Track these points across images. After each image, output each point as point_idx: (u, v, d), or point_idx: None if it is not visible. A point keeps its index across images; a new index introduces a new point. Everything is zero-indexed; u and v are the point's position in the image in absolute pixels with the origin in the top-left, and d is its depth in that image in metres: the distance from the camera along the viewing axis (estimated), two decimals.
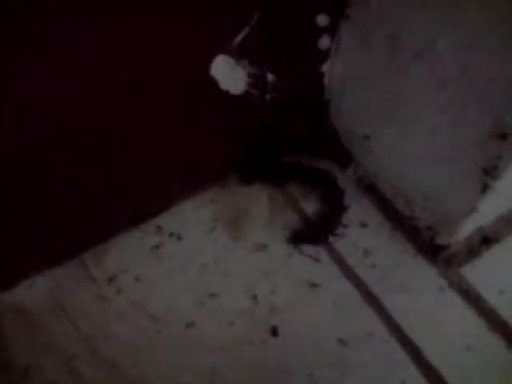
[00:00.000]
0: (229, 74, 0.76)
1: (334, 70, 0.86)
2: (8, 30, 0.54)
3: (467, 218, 0.75)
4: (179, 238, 0.86)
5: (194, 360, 0.74)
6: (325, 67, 0.86)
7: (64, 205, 0.74)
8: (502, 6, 0.55)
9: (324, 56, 0.84)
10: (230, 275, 0.83)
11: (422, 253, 0.84)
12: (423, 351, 0.75)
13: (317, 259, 0.84)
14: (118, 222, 0.85)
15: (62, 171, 0.70)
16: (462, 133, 0.69)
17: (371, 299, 0.80)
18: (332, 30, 0.80)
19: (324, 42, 0.81)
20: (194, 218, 0.89)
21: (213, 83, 0.76)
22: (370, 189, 0.91)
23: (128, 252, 0.85)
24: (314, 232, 0.88)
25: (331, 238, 0.86)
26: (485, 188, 0.69)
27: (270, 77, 0.81)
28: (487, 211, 0.75)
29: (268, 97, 0.85)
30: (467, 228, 0.78)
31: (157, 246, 0.85)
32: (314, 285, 0.81)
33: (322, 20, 0.78)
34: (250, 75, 0.78)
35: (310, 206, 0.91)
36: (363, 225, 0.88)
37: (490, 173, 0.67)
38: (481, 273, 0.81)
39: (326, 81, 0.88)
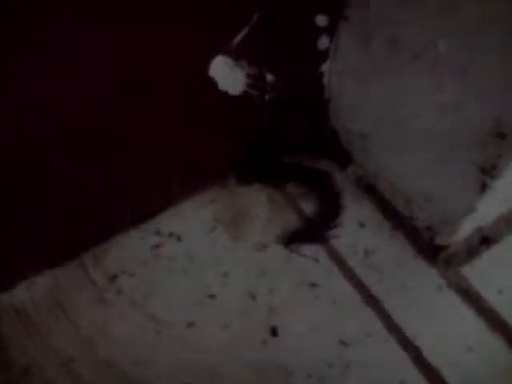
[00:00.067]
0: (228, 75, 0.76)
1: (333, 70, 0.86)
2: (8, 30, 0.54)
3: (466, 218, 0.75)
4: (179, 238, 0.86)
5: (194, 360, 0.74)
6: (324, 67, 0.86)
7: (64, 205, 0.74)
8: (502, 5, 0.55)
9: (323, 56, 0.84)
10: (229, 275, 0.83)
11: (421, 253, 0.84)
12: (423, 351, 0.75)
13: (316, 259, 0.84)
14: (117, 222, 0.85)
15: (61, 171, 0.70)
16: (460, 133, 0.69)
17: (371, 299, 0.80)
18: (331, 31, 0.80)
19: (323, 42, 0.81)
20: (193, 218, 0.89)
21: (212, 84, 0.76)
22: (370, 189, 0.91)
23: (128, 252, 0.85)
24: (309, 232, 0.88)
25: (332, 239, 0.86)
26: (484, 188, 0.69)
27: (269, 77, 0.81)
28: (486, 211, 0.75)
29: (267, 97, 0.85)
30: (466, 228, 0.78)
31: (157, 246, 0.85)
32: (313, 285, 0.81)
33: (321, 20, 0.78)
34: (248, 76, 0.79)
35: (309, 207, 0.91)
36: (363, 225, 0.88)
37: (488, 172, 0.67)
38: (480, 273, 0.81)
39: (325, 81, 0.88)
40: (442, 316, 0.78)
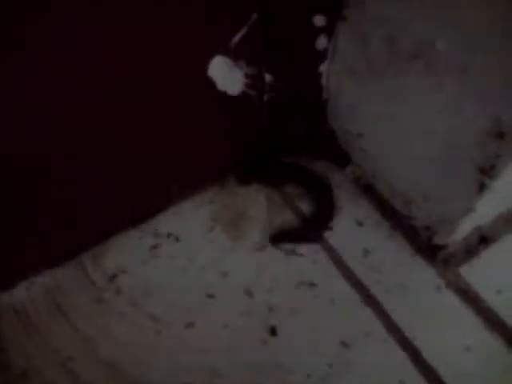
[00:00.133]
0: (226, 75, 0.76)
1: (332, 70, 0.86)
2: (8, 30, 0.54)
3: (465, 218, 0.75)
4: (178, 238, 0.86)
5: (194, 360, 0.74)
6: (322, 67, 0.86)
7: (64, 205, 0.74)
8: (502, 5, 0.56)
9: (321, 56, 0.84)
10: (228, 275, 0.83)
11: (420, 253, 0.84)
12: (421, 351, 0.75)
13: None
14: (117, 222, 0.85)
15: (61, 171, 0.70)
16: (459, 132, 0.69)
17: (370, 299, 0.80)
18: (329, 31, 0.80)
19: (321, 42, 0.82)
20: (192, 219, 0.89)
21: (210, 84, 0.76)
22: (368, 189, 0.91)
23: (127, 252, 0.85)
24: (300, 232, 0.88)
25: (332, 239, 0.86)
26: (482, 187, 0.69)
27: (268, 77, 0.82)
28: (485, 211, 0.75)
29: (266, 97, 0.85)
30: (465, 228, 0.79)
31: (156, 247, 0.85)
32: (312, 284, 0.82)
33: (319, 20, 0.78)
34: (247, 76, 0.79)
35: (308, 207, 0.92)
36: (361, 224, 0.88)
37: (487, 172, 0.67)
38: (479, 272, 0.81)
39: (323, 81, 0.89)
40: (441, 316, 0.78)
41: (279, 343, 0.76)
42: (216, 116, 0.82)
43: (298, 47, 0.81)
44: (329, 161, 0.95)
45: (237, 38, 0.72)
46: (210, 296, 0.80)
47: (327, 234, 0.87)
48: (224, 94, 0.78)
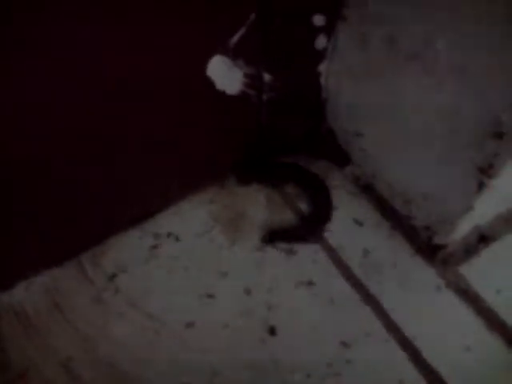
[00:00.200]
0: (225, 75, 0.76)
1: (331, 69, 0.86)
2: (8, 30, 0.54)
3: (464, 217, 0.76)
4: (178, 238, 0.86)
5: (194, 360, 0.74)
6: (321, 67, 0.86)
7: (64, 205, 0.74)
8: (502, 5, 0.56)
9: (321, 56, 0.84)
10: (228, 275, 0.83)
11: (419, 252, 0.84)
12: (421, 350, 0.75)
13: (315, 259, 0.84)
14: (116, 222, 0.85)
15: (61, 171, 0.70)
16: (458, 132, 0.69)
17: (369, 299, 0.80)
18: (328, 30, 0.80)
19: (320, 41, 0.82)
20: (192, 218, 0.89)
21: (209, 83, 0.76)
22: (368, 189, 0.91)
23: (126, 252, 0.85)
24: (294, 231, 0.89)
25: (331, 239, 0.86)
26: (481, 187, 0.69)
27: (267, 77, 0.82)
28: (484, 210, 0.76)
29: (265, 97, 0.85)
30: (464, 227, 0.79)
31: (155, 246, 0.85)
32: (312, 284, 0.82)
33: (319, 20, 0.78)
34: (246, 75, 0.79)
35: (307, 207, 0.92)
36: (361, 224, 0.88)
37: (486, 171, 0.67)
38: (478, 272, 0.81)
39: (322, 81, 0.89)
40: (441, 316, 0.79)
41: (279, 343, 0.76)
42: (215, 115, 0.82)
43: (298, 47, 0.81)
44: (328, 160, 0.95)
45: (236, 37, 0.72)
46: (210, 296, 0.80)
47: (327, 234, 0.87)
48: (223, 94, 0.78)
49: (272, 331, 0.77)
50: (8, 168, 0.64)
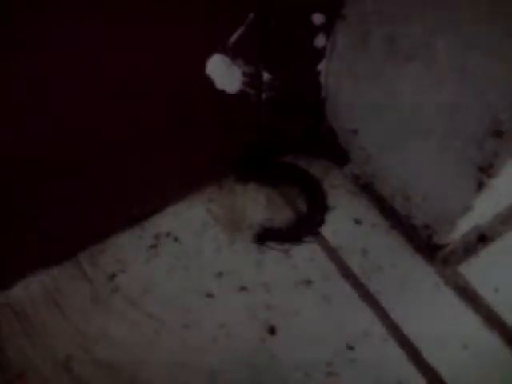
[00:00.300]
0: (224, 73, 0.76)
1: (330, 68, 0.86)
2: (8, 30, 0.54)
3: (463, 217, 0.76)
4: (177, 237, 0.86)
5: (192, 359, 0.74)
6: (321, 66, 0.86)
7: (63, 204, 0.74)
8: (502, 5, 0.56)
9: (320, 54, 0.84)
10: (227, 274, 0.83)
11: (419, 251, 0.84)
12: (421, 349, 0.75)
13: (314, 258, 0.84)
14: (115, 222, 0.85)
15: (61, 171, 0.70)
16: (458, 131, 0.69)
17: (368, 298, 0.80)
18: (328, 29, 0.80)
19: (320, 40, 0.81)
20: (191, 218, 0.89)
21: (208, 82, 0.76)
22: (367, 187, 0.91)
23: (125, 251, 0.85)
24: (288, 232, 0.88)
25: (331, 238, 0.86)
26: (481, 186, 0.69)
27: (266, 76, 0.81)
28: (483, 209, 0.76)
29: (264, 96, 0.85)
30: (464, 226, 0.79)
31: (154, 246, 0.85)
32: (311, 283, 0.82)
33: (318, 19, 0.78)
34: (245, 74, 0.79)
35: (305, 206, 0.92)
36: (360, 223, 0.88)
37: (485, 171, 0.67)
38: (477, 271, 0.81)
39: (322, 79, 0.89)
40: (440, 314, 0.79)
41: (278, 342, 0.76)
42: (215, 115, 0.82)
43: (297, 45, 0.81)
44: (328, 159, 0.95)
45: (235, 36, 0.72)
46: (209, 295, 0.80)
47: (326, 233, 0.87)
48: (222, 93, 0.78)
49: (272, 331, 0.77)
50: (8, 168, 0.64)
